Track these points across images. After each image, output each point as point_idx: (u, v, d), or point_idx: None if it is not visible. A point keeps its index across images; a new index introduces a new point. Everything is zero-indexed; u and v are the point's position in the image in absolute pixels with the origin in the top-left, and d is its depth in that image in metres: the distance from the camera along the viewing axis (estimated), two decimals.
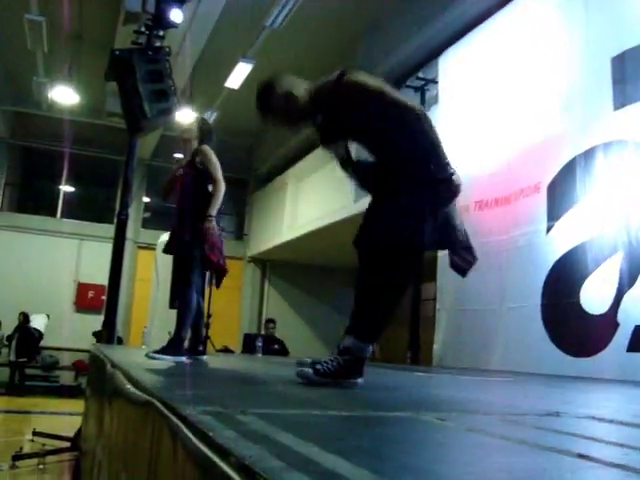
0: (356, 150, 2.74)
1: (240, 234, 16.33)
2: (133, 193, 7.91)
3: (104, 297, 9.75)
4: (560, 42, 6.00)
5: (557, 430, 1.53)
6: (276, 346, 9.92)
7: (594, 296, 5.18)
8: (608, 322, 4.96)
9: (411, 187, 2.54)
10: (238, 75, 10.59)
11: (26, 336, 13.02)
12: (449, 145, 2.74)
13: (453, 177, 2.56)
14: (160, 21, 7.07)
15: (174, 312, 4.35)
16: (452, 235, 2.66)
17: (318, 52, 10.02)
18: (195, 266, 4.32)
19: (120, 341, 9.91)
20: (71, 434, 6.12)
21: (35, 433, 6.53)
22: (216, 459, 0.94)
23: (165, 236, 4.85)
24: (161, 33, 7.18)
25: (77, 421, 6.18)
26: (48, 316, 13.51)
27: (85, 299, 14.35)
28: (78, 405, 7.33)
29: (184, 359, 4.16)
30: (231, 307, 14.66)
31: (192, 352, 4.43)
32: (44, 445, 6.17)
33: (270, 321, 10.54)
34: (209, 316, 9.66)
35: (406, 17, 9.25)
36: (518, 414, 2.01)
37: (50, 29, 9.74)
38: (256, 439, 1.04)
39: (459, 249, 2.75)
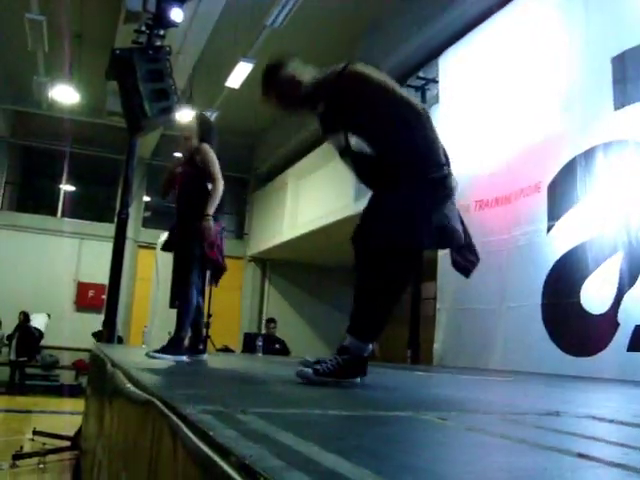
0: (356, 141, 2.74)
1: (240, 233, 16.33)
2: (133, 192, 7.92)
3: (104, 296, 9.75)
4: (560, 42, 6.00)
5: (557, 429, 1.53)
6: (277, 346, 9.91)
7: (594, 296, 5.18)
8: (608, 322, 4.96)
9: (409, 185, 2.54)
10: (238, 75, 10.59)
11: (26, 335, 13.02)
12: (450, 144, 2.74)
13: (448, 179, 2.56)
14: (161, 20, 7.08)
15: (174, 311, 4.34)
16: (452, 235, 2.65)
17: (318, 52, 9.98)
18: (195, 266, 4.32)
19: (120, 340, 9.91)
20: (71, 433, 6.13)
21: (35, 432, 6.53)
22: (216, 458, 0.94)
23: (165, 235, 4.85)
24: (162, 32, 7.18)
25: (77, 420, 6.19)
26: (49, 315, 13.52)
27: (85, 298, 14.35)
28: (78, 404, 7.34)
29: (184, 358, 4.16)
30: (231, 306, 14.67)
31: (192, 351, 4.42)
32: (44, 444, 6.18)
33: (271, 321, 10.53)
34: (209, 315, 9.69)
35: (406, 17, 9.25)
36: (518, 413, 2.01)
37: (50, 28, 9.74)
38: (256, 438, 1.04)
39: (461, 249, 2.75)
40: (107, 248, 8.06)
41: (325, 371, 2.47)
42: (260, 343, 8.93)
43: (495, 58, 6.86)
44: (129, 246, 10.86)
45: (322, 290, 14.63)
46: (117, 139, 12.60)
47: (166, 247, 4.53)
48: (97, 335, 9.88)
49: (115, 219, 7.44)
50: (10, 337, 13.16)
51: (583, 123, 5.61)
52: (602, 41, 5.50)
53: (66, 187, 15.48)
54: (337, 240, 2.66)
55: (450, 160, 2.71)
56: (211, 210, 4.25)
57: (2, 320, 13.40)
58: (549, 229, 5.80)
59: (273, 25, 8.99)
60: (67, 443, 6.14)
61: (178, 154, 4.78)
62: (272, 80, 2.74)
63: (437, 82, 8.02)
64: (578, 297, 5.30)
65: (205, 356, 4.63)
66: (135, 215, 13.64)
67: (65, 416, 9.30)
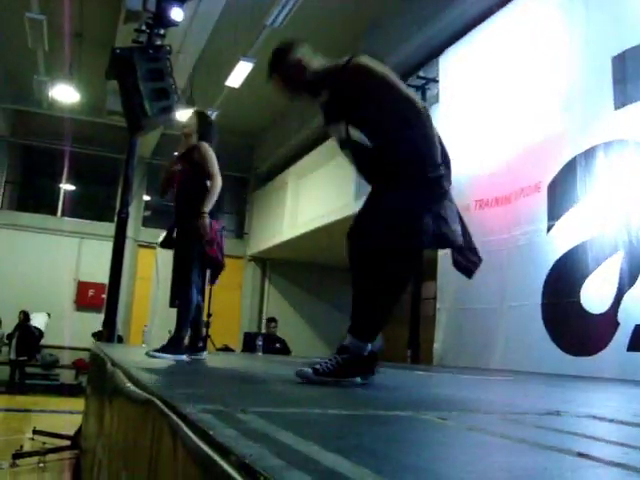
0: (356, 133, 2.74)
1: (240, 233, 16.33)
2: (133, 191, 7.92)
3: (104, 296, 9.76)
4: (560, 41, 6.00)
5: (557, 429, 1.53)
6: (278, 345, 9.91)
7: (594, 295, 5.18)
8: (608, 321, 4.96)
9: (407, 183, 2.53)
10: (239, 74, 10.59)
11: (26, 334, 13.03)
12: (450, 144, 2.74)
13: (443, 179, 2.55)
14: (161, 20, 7.08)
15: (174, 311, 4.34)
16: (449, 235, 2.65)
17: (319, 51, 10.02)
18: (195, 265, 4.31)
19: (120, 340, 9.92)
20: (71, 432, 6.13)
21: (35, 432, 6.53)
22: (216, 458, 0.94)
23: (164, 234, 4.84)
24: (162, 32, 7.19)
25: (77, 420, 6.19)
26: (49, 314, 13.52)
27: (85, 298, 14.35)
28: (78, 404, 7.34)
29: (184, 358, 4.17)
30: (231, 306, 14.67)
31: (192, 349, 4.42)
32: (44, 443, 6.17)
33: (272, 320, 10.53)
34: (209, 315, 9.69)
35: (406, 17, 9.25)
36: (518, 413, 2.01)
37: (51, 27, 9.74)
38: (256, 438, 1.04)
39: (462, 249, 2.74)
40: (107, 247, 8.06)
41: (325, 370, 2.47)
42: (260, 342, 8.92)
43: (495, 57, 6.85)
44: (129, 245, 10.86)
45: (322, 289, 14.62)
46: (117, 138, 12.60)
47: (164, 244, 4.52)
48: (97, 336, 9.88)
49: (115, 218, 7.44)
50: (10, 336, 13.16)
51: (583, 123, 5.61)
52: (602, 40, 5.49)
53: (66, 186, 15.49)
54: (337, 239, 2.66)
55: (450, 159, 2.71)
56: (207, 207, 4.23)
57: (2, 319, 13.41)
58: (549, 229, 5.80)
59: (273, 25, 8.98)
60: (67, 442, 6.14)
61: (177, 153, 4.76)
62: (279, 62, 2.77)
63: (437, 81, 8.02)
64: (578, 297, 5.30)
65: (205, 354, 4.63)
66: (135, 214, 13.64)
67: (65, 415, 9.30)
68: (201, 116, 4.79)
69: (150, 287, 12.87)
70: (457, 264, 2.78)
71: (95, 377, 4.14)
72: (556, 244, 5.70)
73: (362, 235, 2.61)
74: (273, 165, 15.13)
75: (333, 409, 1.72)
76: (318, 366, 2.48)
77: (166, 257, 4.70)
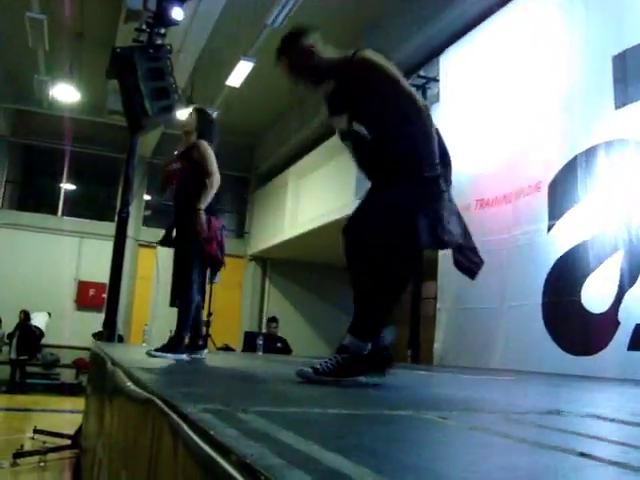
0: (358, 126, 2.74)
1: (241, 232, 16.33)
2: (134, 191, 7.91)
3: (105, 295, 9.75)
4: (561, 41, 6.00)
5: (558, 429, 1.53)
6: (279, 345, 9.91)
7: (595, 295, 5.18)
8: (609, 321, 4.96)
9: (406, 181, 2.53)
10: (239, 73, 10.59)
11: (27, 334, 13.03)
12: (450, 143, 2.73)
13: (440, 179, 2.54)
14: (161, 19, 7.07)
15: (175, 310, 4.34)
16: (449, 235, 2.64)
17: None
18: (195, 265, 4.31)
19: (121, 339, 9.91)
20: (72, 432, 6.13)
21: (36, 431, 6.54)
22: (217, 457, 0.94)
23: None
24: (162, 31, 7.18)
25: (78, 419, 6.19)
26: (49, 314, 13.52)
27: (86, 297, 14.36)
28: (79, 403, 7.34)
29: (185, 357, 4.17)
30: (232, 305, 14.68)
31: (192, 347, 4.42)
32: (45, 443, 6.18)
33: (273, 320, 10.52)
34: (210, 314, 9.69)
35: (406, 17, 9.24)
36: (519, 413, 2.00)
37: (51, 27, 9.73)
38: (257, 437, 1.04)
39: (462, 249, 2.74)
40: (107, 247, 8.06)
41: (325, 370, 2.47)
42: (260, 342, 8.92)
43: (496, 57, 6.85)
44: (129, 245, 10.84)
45: (322, 289, 14.62)
46: (118, 138, 12.60)
47: (163, 242, 4.51)
48: (97, 336, 9.88)
49: (116, 218, 7.44)
50: (11, 336, 13.17)
51: (584, 122, 5.60)
52: (603, 40, 5.49)
53: (67, 186, 15.49)
54: (338, 239, 2.65)
55: (451, 159, 2.71)
56: (203, 204, 4.21)
57: (3, 319, 13.42)
58: (550, 228, 5.80)
59: (274, 24, 8.98)
60: (67, 442, 6.15)
61: (177, 152, 4.75)
62: (290, 45, 2.77)
63: (438, 81, 8.01)
64: (579, 296, 5.30)
65: (205, 352, 4.63)
66: (136, 214, 13.63)
67: (65, 415, 9.31)
68: (201, 113, 4.75)
69: (150, 287, 12.89)
70: (458, 264, 2.78)
71: (95, 376, 4.14)
72: (557, 243, 5.69)
73: (358, 231, 2.61)
74: (273, 165, 15.14)
75: (333, 409, 1.72)
76: (318, 366, 2.48)
77: (166, 257, 4.70)
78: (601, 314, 5.07)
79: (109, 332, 6.82)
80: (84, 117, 13.94)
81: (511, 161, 6.40)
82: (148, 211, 15.71)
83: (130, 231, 9.15)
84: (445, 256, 5.51)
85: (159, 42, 7.06)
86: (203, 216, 4.19)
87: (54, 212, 15.13)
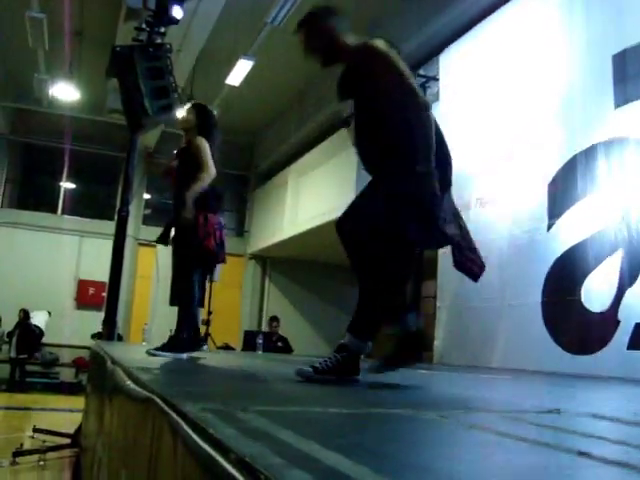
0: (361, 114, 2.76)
1: (241, 231, 16.33)
2: (134, 190, 7.91)
3: (105, 294, 9.75)
4: (561, 40, 5.99)
5: (558, 428, 1.53)
6: (279, 344, 9.92)
7: (595, 294, 5.18)
8: (609, 320, 4.96)
9: (399, 172, 2.53)
10: (239, 72, 10.59)
11: (27, 333, 13.03)
12: (450, 142, 2.73)
13: (433, 176, 2.52)
14: (161, 18, 7.07)
15: (174, 309, 4.34)
16: (441, 236, 2.64)
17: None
18: (194, 264, 4.30)
19: (120, 338, 9.91)
20: (71, 431, 6.13)
21: (35, 430, 6.54)
22: (216, 456, 0.94)
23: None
24: (162, 30, 7.18)
25: (77, 418, 6.19)
26: (49, 313, 13.52)
27: (86, 296, 14.35)
28: (78, 402, 7.34)
29: (184, 356, 4.17)
30: (232, 304, 14.68)
31: (192, 345, 4.41)
32: (44, 442, 6.18)
33: (274, 319, 10.53)
34: (210, 313, 9.70)
35: (406, 16, 9.24)
36: (519, 411, 2.00)
37: (51, 26, 9.72)
38: (256, 436, 1.04)
39: (462, 249, 2.73)
40: (107, 246, 8.06)
41: (324, 369, 2.47)
42: (260, 341, 8.92)
43: (496, 56, 6.85)
44: (129, 244, 10.85)
45: (323, 288, 14.62)
46: (117, 137, 12.60)
47: (160, 240, 4.49)
48: (96, 337, 9.88)
49: (115, 217, 7.44)
50: (10, 334, 13.17)
51: (584, 121, 5.60)
52: (603, 39, 5.49)
53: (66, 184, 15.48)
54: (338, 238, 2.65)
55: (451, 159, 2.70)
56: (191, 193, 4.18)
57: (2, 317, 13.42)
58: (549, 227, 5.79)
59: (273, 23, 8.98)
60: (67, 440, 6.15)
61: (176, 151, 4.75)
62: (311, 21, 2.83)
63: (438, 80, 8.01)
64: (579, 295, 5.30)
65: (205, 347, 4.62)
66: (135, 213, 13.62)
67: (65, 413, 9.31)
68: (200, 109, 4.68)
69: (150, 285, 12.90)
70: (459, 265, 2.77)
71: (95, 375, 4.14)
72: (557, 242, 5.69)
73: (350, 227, 2.59)
74: (273, 163, 15.13)
75: (333, 407, 1.72)
76: (318, 365, 2.48)
77: (166, 255, 4.69)
78: (601, 313, 5.07)
79: (109, 331, 6.82)
80: (84, 116, 13.93)
81: (511, 160, 6.40)
82: (148, 210, 15.71)
83: (130, 230, 9.16)
84: (445, 255, 5.52)
85: (159, 41, 7.06)
86: (190, 202, 4.15)
87: (54, 211, 15.12)
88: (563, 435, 1.42)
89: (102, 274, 10.72)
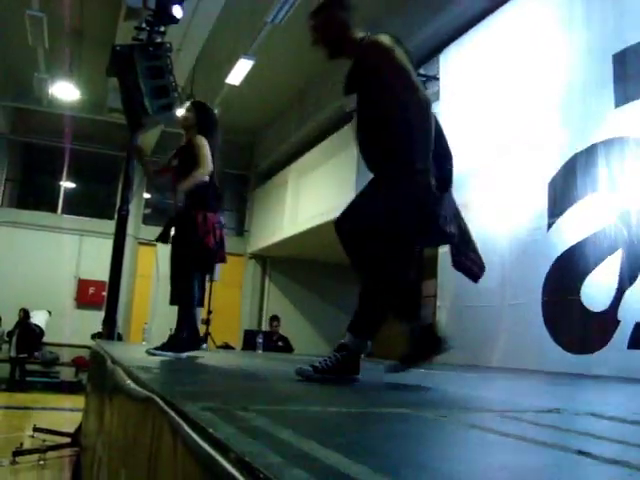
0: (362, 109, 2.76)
1: (241, 230, 16.33)
2: (134, 189, 7.90)
3: (105, 293, 9.75)
4: (561, 39, 5.99)
5: (557, 427, 1.53)
6: (280, 343, 9.93)
7: (595, 293, 5.18)
8: (609, 319, 4.96)
9: (402, 175, 2.52)
10: (239, 71, 10.58)
11: (27, 332, 13.03)
12: (450, 141, 2.72)
13: (430, 174, 2.50)
14: (161, 17, 7.06)
15: (174, 309, 4.34)
16: (440, 235, 2.63)
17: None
18: (194, 264, 4.30)
19: (120, 337, 9.91)
20: (71, 430, 6.14)
21: (35, 429, 6.55)
22: (216, 455, 0.94)
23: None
24: (162, 29, 7.17)
25: (77, 417, 6.20)
26: (49, 312, 13.52)
27: (86, 295, 14.35)
28: (78, 401, 7.34)
29: (184, 356, 4.17)
30: (232, 304, 14.68)
31: (191, 344, 4.41)
32: (44, 441, 6.19)
33: (274, 319, 10.53)
34: (210, 312, 9.70)
35: (406, 16, 9.23)
36: (519, 411, 2.00)
37: (51, 25, 9.72)
38: (256, 435, 1.04)
39: (462, 249, 2.73)
40: (107, 245, 8.05)
41: (324, 368, 2.47)
42: (260, 340, 8.92)
43: (496, 55, 6.85)
44: (129, 243, 10.85)
45: (323, 287, 14.62)
46: (117, 136, 12.59)
47: (160, 238, 4.48)
48: (96, 337, 9.88)
49: (115, 216, 7.43)
50: (10, 334, 13.18)
51: (584, 120, 5.60)
52: (603, 38, 5.49)
53: (66, 184, 15.48)
54: (337, 237, 2.66)
55: (452, 159, 2.70)
56: (183, 186, 4.16)
57: (2, 317, 13.42)
58: (549, 226, 5.79)
59: (274, 22, 8.98)
60: (67, 440, 6.15)
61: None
62: (322, 12, 2.83)
63: (438, 79, 8.01)
64: (579, 294, 5.30)
65: (205, 345, 4.62)
66: (135, 212, 13.62)
67: (65, 413, 9.32)
68: (199, 107, 4.65)
69: (150, 285, 12.90)
70: (457, 264, 2.76)
71: (95, 375, 4.14)
72: (556, 242, 5.69)
73: (350, 226, 2.59)
74: (274, 162, 15.12)
75: (333, 406, 1.72)
76: (318, 364, 2.48)
77: (166, 255, 4.69)
78: (601, 312, 5.07)
79: (109, 330, 6.82)
80: (84, 115, 13.92)
81: (511, 159, 6.40)
82: (148, 209, 15.71)
83: (130, 229, 9.16)
84: (445, 254, 5.51)
85: (159, 40, 7.05)
86: (182, 190, 4.14)
87: (54, 210, 15.12)
88: (563, 434, 1.42)
89: (102, 273, 10.72)
